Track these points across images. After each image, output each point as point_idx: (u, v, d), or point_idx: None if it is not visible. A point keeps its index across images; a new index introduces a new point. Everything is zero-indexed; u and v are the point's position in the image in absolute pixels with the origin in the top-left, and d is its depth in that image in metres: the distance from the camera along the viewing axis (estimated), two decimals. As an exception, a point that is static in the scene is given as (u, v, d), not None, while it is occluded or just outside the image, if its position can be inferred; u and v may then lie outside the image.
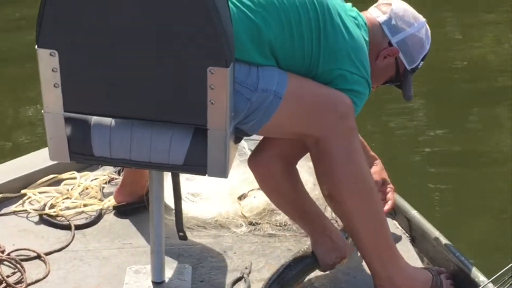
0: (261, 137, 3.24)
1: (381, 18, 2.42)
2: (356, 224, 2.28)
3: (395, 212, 2.82)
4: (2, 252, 2.61)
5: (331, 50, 2.25)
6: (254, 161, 2.42)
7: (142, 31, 1.97)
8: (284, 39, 2.20)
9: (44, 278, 2.51)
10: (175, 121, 2.09)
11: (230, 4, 2.09)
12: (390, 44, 2.42)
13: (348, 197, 2.24)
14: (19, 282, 2.47)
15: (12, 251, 2.63)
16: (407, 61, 2.45)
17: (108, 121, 2.13)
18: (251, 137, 3.22)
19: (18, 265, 2.53)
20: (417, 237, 2.72)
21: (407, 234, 2.77)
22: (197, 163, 2.13)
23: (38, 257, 2.62)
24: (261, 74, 2.17)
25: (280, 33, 2.19)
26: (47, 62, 2.02)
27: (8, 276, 2.48)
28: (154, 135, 2.11)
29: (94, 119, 2.14)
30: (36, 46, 2.01)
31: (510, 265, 2.14)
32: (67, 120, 2.13)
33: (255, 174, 2.45)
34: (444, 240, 2.55)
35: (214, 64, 1.97)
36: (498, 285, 2.19)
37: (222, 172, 2.16)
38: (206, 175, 2.17)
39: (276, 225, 2.81)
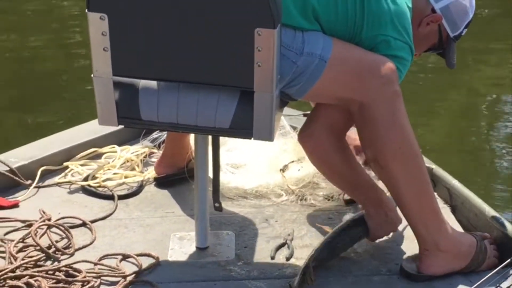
0: (300, 113, 3.32)
1: None
2: (401, 189, 2.30)
3: (435, 183, 2.83)
4: (49, 219, 2.66)
5: (375, 16, 2.26)
6: (304, 134, 2.45)
7: (190, -6, 2.01)
8: (328, 4, 2.23)
9: (91, 243, 2.56)
10: (221, 84, 2.12)
11: None
12: (433, 10, 2.44)
13: (393, 161, 2.26)
14: (67, 247, 2.52)
15: (58, 219, 2.67)
16: (450, 28, 2.47)
17: (156, 84, 2.17)
18: (290, 114, 3.29)
19: (66, 231, 2.58)
20: (457, 206, 2.73)
21: (447, 204, 2.78)
22: (243, 127, 2.17)
23: (84, 224, 2.67)
24: (306, 38, 2.20)
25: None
26: (97, 26, 2.06)
27: (56, 242, 2.52)
28: (201, 99, 2.15)
29: (141, 83, 2.18)
30: (86, 10, 2.04)
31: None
32: (116, 84, 2.16)
33: (305, 147, 2.48)
34: (486, 207, 2.56)
35: (262, 25, 2.00)
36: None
37: (268, 135, 2.19)
38: (252, 138, 2.20)
39: (319, 196, 2.83)
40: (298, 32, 2.20)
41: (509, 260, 2.24)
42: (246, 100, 2.13)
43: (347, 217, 2.53)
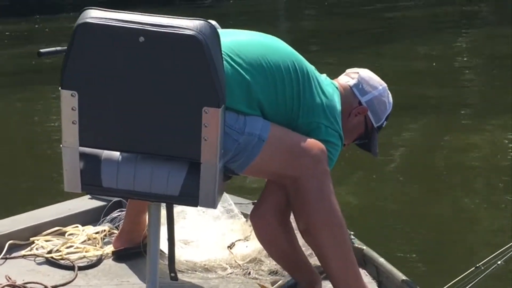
0: (249, 201, 3.65)
1: (351, 82, 2.85)
2: (327, 254, 2.62)
3: (365, 262, 3.16)
4: (14, 283, 2.93)
5: (309, 106, 2.65)
6: (255, 214, 2.77)
7: (148, 77, 2.37)
8: (270, 95, 2.60)
9: (51, 305, 2.83)
10: (173, 155, 2.45)
11: (224, 59, 2.49)
12: (360, 103, 2.83)
13: (320, 230, 2.59)
14: (30, 307, 2.79)
15: (22, 283, 2.94)
16: (374, 119, 2.86)
17: (116, 155, 2.50)
18: (240, 202, 3.63)
19: (29, 293, 2.86)
20: (383, 281, 3.05)
21: (375, 280, 3.10)
22: (191, 194, 2.48)
23: (46, 289, 2.95)
24: (247, 120, 2.57)
25: (266, 89, 2.59)
26: (68, 101, 2.40)
27: (20, 302, 2.80)
28: (155, 168, 2.47)
29: (104, 153, 2.50)
30: (60, 87, 2.39)
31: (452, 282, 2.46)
32: (81, 154, 2.49)
33: (255, 227, 2.79)
34: (406, 279, 2.89)
35: (209, 105, 2.35)
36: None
37: (211, 203, 2.50)
38: (198, 205, 2.51)
39: (262, 270, 3.13)
40: (241, 115, 2.57)
41: None
42: (194, 171, 2.45)
43: (280, 282, 2.83)
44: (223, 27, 2.70)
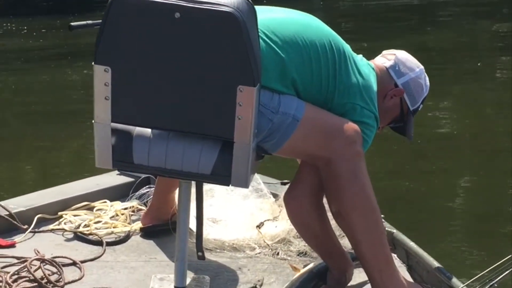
0: (278, 181, 3.63)
1: (387, 63, 2.79)
2: (359, 237, 2.59)
3: (395, 246, 3.12)
4: (43, 257, 2.92)
5: (345, 86, 2.60)
6: (289, 196, 2.73)
7: (183, 54, 2.33)
8: (305, 74, 2.56)
9: (79, 279, 2.84)
10: (206, 134, 2.42)
11: (260, 37, 2.45)
12: (396, 85, 2.78)
13: (352, 211, 2.55)
14: (58, 281, 2.79)
15: (51, 258, 2.94)
16: (410, 102, 2.80)
17: (148, 132, 2.47)
18: (269, 182, 3.61)
19: (58, 267, 2.85)
20: (413, 266, 3.02)
21: (405, 264, 3.06)
22: (223, 173, 2.45)
23: (74, 263, 2.95)
24: (282, 100, 2.53)
25: (302, 68, 2.55)
26: (101, 77, 2.37)
27: (49, 275, 2.79)
28: (187, 146, 2.44)
29: (136, 130, 2.48)
30: (93, 63, 2.37)
31: (486, 270, 2.42)
32: (113, 130, 2.47)
33: (289, 208, 2.74)
34: (437, 264, 2.85)
35: (243, 83, 2.31)
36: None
37: (244, 183, 2.47)
38: (230, 185, 2.49)
39: (291, 251, 3.11)
40: (275, 95, 2.53)
41: None
42: (227, 150, 2.42)
43: (311, 265, 2.81)
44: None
